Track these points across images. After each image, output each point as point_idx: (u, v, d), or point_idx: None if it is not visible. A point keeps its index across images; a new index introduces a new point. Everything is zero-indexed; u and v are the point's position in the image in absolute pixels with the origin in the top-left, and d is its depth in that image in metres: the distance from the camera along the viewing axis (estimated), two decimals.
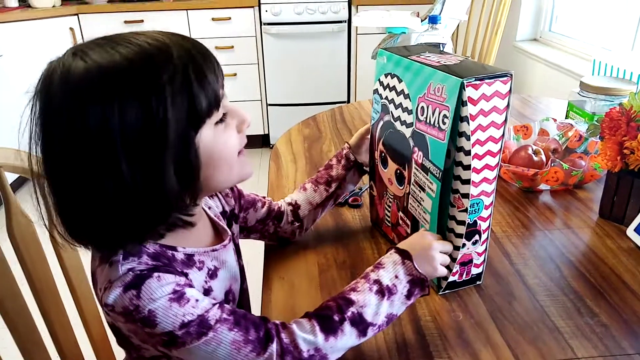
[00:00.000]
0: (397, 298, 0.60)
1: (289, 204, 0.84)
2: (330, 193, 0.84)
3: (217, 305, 0.55)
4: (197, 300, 0.54)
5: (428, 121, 0.66)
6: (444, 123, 0.63)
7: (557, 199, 1.00)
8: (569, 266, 0.79)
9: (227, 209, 0.76)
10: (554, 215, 0.94)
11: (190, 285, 0.56)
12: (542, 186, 1.01)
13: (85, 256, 0.87)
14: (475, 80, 0.60)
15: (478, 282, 0.75)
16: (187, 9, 3.01)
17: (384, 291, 0.60)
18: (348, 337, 0.57)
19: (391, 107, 0.76)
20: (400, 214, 0.79)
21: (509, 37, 2.91)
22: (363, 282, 0.61)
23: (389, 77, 0.76)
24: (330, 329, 0.56)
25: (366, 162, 0.87)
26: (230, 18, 3.04)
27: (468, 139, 0.61)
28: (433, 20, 1.39)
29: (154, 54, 0.50)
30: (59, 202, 0.54)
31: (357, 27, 3.06)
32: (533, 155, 1.02)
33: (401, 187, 0.77)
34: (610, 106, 1.02)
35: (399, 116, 0.73)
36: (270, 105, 3.29)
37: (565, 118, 1.23)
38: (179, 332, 0.52)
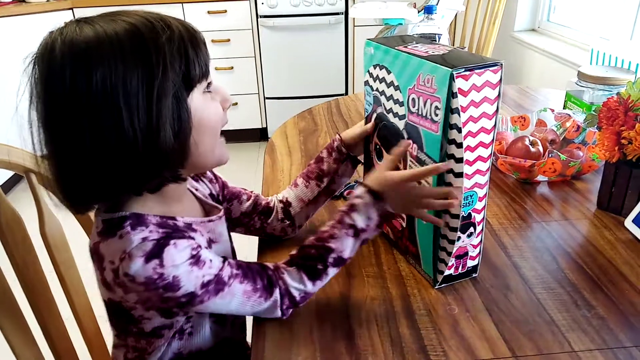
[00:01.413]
0: (369, 232, 0.67)
1: (280, 200, 0.83)
2: (322, 188, 0.82)
3: (225, 262, 0.61)
4: (211, 261, 0.59)
5: (420, 113, 0.65)
6: (436, 115, 0.62)
7: (554, 190, 0.99)
8: (566, 258, 0.78)
9: (215, 192, 0.77)
10: (551, 207, 0.93)
11: (201, 247, 0.59)
12: (540, 177, 1.00)
13: (76, 251, 0.87)
14: (465, 70, 0.59)
15: (474, 275, 0.74)
16: (182, 2, 2.98)
17: (358, 233, 0.66)
18: (331, 275, 0.66)
19: (382, 99, 0.74)
20: None
21: (507, 28, 2.88)
22: (339, 227, 0.66)
23: (377, 68, 0.74)
24: (316, 276, 0.65)
25: (360, 154, 0.85)
26: (226, 11, 3.02)
27: (460, 131, 0.60)
28: (429, 10, 1.37)
29: (154, 22, 0.56)
30: (59, 160, 0.56)
31: (354, 19, 3.03)
32: (530, 146, 1.01)
33: None
34: (609, 96, 1.01)
35: (391, 108, 0.72)
36: (268, 98, 3.26)
37: (563, 108, 1.22)
38: (200, 291, 0.57)
